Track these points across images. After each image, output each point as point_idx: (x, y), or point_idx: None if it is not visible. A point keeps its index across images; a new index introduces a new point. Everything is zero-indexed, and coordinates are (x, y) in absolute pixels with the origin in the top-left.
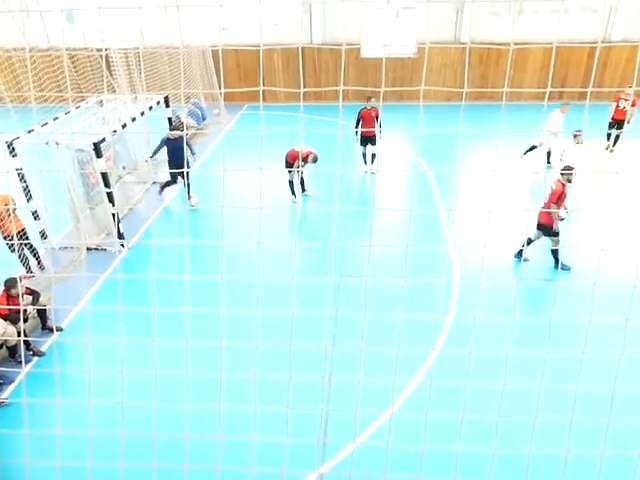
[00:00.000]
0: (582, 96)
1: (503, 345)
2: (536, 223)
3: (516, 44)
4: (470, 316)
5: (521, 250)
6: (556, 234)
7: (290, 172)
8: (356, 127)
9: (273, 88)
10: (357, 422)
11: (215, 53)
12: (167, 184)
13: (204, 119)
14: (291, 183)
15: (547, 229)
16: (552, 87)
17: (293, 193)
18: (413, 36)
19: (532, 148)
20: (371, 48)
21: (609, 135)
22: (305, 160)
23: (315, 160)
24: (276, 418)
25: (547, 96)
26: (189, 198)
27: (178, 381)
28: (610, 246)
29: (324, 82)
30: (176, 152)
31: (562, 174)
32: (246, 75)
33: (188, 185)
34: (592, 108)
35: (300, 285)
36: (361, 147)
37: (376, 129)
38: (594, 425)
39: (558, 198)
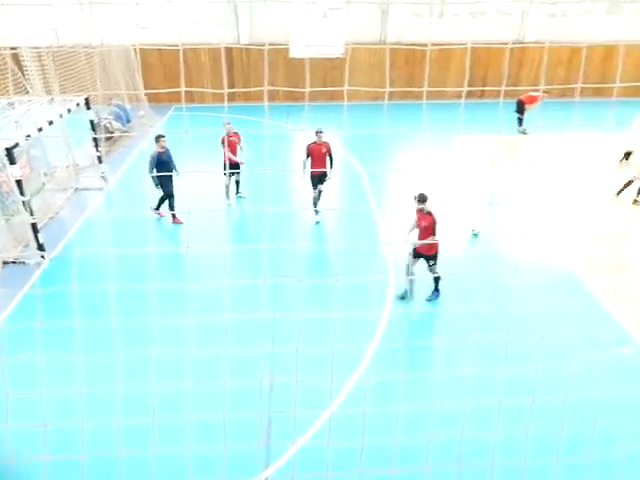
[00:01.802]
0: (497, 94)
1: (438, 336)
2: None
3: (436, 45)
4: (405, 310)
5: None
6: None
7: (230, 175)
8: (304, 164)
9: (195, 89)
10: (299, 423)
11: (138, 52)
12: (162, 200)
13: (128, 121)
14: (227, 186)
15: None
16: (474, 86)
17: (227, 196)
18: (341, 37)
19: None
20: (299, 48)
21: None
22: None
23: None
24: (217, 426)
25: (464, 95)
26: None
27: (107, 397)
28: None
29: (254, 82)
30: (165, 165)
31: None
32: (171, 75)
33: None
34: (509, 105)
35: (235, 289)
36: (312, 189)
37: (327, 167)
38: (520, 407)
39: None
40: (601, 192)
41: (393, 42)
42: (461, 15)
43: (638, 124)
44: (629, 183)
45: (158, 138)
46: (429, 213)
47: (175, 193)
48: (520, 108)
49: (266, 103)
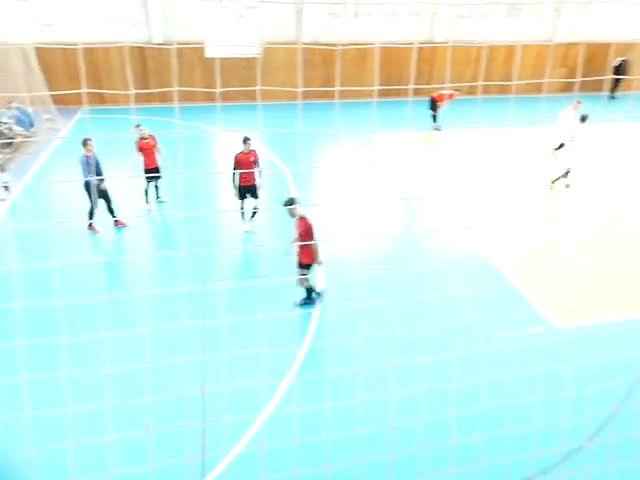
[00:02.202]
0: (416, 92)
1: (361, 331)
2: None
3: (349, 45)
4: (335, 307)
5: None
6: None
7: (148, 180)
8: (233, 176)
9: (97, 90)
10: (235, 429)
11: (40, 52)
12: (91, 214)
13: (32, 125)
14: (146, 191)
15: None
16: (391, 85)
17: (147, 201)
18: (257, 36)
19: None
20: (215, 48)
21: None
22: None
23: None
24: (148, 443)
25: (373, 93)
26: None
27: (15, 420)
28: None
29: (168, 82)
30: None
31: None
32: (79, 75)
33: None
34: (423, 103)
35: (158, 298)
36: (239, 201)
37: (256, 177)
38: (443, 391)
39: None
40: (529, 181)
41: (309, 41)
42: (374, 15)
43: (565, 117)
44: (566, 174)
45: (85, 142)
46: (302, 218)
47: (111, 196)
48: (433, 106)
49: (176, 104)
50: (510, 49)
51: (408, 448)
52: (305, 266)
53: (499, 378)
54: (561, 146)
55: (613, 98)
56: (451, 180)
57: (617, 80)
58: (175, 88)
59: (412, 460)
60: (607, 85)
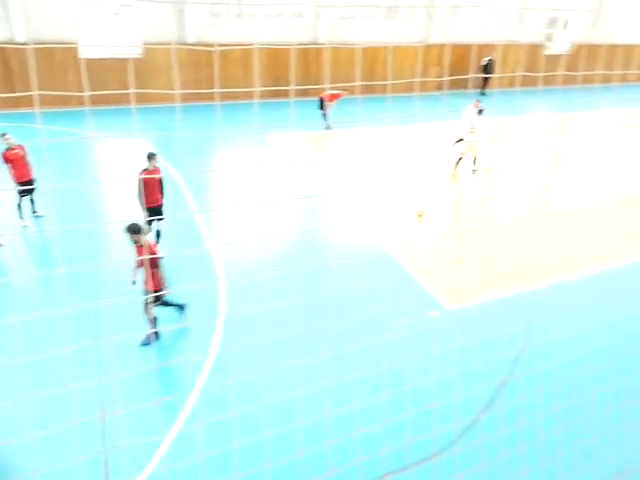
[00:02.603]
0: (304, 93)
1: (266, 332)
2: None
3: (226, 45)
4: (241, 311)
5: None
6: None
7: (21, 194)
8: (140, 199)
9: None
10: (139, 452)
11: None
12: None
13: None
14: (19, 206)
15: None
16: (276, 85)
17: (21, 217)
18: (136, 36)
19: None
20: (91, 48)
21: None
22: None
23: None
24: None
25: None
26: None
27: None
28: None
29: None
30: None
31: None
32: None
33: None
34: (312, 103)
35: (43, 321)
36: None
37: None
38: (348, 382)
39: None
40: (427, 173)
41: (193, 42)
42: (257, 16)
43: (467, 116)
44: (459, 160)
45: None
46: (142, 246)
47: None
48: (322, 105)
49: (37, 109)
50: (392, 50)
51: (317, 444)
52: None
53: (399, 365)
54: (460, 140)
55: (483, 94)
56: (347, 177)
57: (486, 78)
58: (35, 92)
59: (322, 455)
60: (478, 83)
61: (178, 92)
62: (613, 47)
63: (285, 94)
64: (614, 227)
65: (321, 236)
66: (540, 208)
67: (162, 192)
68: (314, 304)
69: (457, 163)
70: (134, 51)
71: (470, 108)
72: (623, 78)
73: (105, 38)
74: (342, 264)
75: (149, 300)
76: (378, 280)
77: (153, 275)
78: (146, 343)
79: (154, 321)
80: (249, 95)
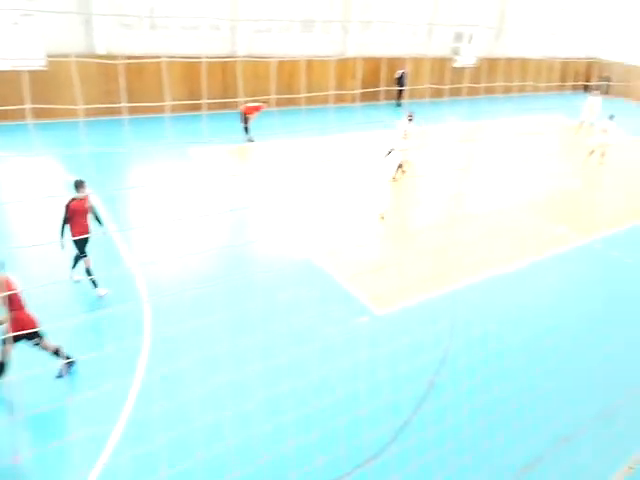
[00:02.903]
0: (223, 106)
1: (193, 351)
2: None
3: (136, 58)
4: (166, 332)
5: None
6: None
7: None
8: (62, 230)
9: None
10: None
11: None
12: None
13: None
14: None
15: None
16: (194, 99)
17: None
18: (40, 47)
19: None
20: None
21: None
22: None
23: None
24: None
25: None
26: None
27: None
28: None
29: None
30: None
31: None
32: None
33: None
34: (232, 115)
35: None
36: (78, 254)
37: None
38: (281, 395)
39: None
40: (356, 181)
41: (103, 54)
42: (172, 28)
43: (401, 124)
44: (400, 166)
45: None
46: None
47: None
48: (243, 118)
49: None
50: (310, 63)
51: (250, 462)
52: (31, 336)
53: (329, 373)
54: (391, 152)
55: (399, 105)
56: (272, 189)
57: (400, 90)
58: None
59: (256, 472)
60: (393, 94)
61: (82, 107)
62: (510, 60)
63: (206, 107)
64: (520, 228)
65: (247, 250)
66: (455, 212)
67: (98, 221)
68: (241, 319)
69: (397, 169)
70: (37, 63)
71: (404, 120)
72: (521, 89)
73: (4, 49)
74: (269, 277)
75: (7, 341)
76: (306, 290)
77: (17, 315)
78: (60, 375)
79: (59, 352)
80: (164, 108)
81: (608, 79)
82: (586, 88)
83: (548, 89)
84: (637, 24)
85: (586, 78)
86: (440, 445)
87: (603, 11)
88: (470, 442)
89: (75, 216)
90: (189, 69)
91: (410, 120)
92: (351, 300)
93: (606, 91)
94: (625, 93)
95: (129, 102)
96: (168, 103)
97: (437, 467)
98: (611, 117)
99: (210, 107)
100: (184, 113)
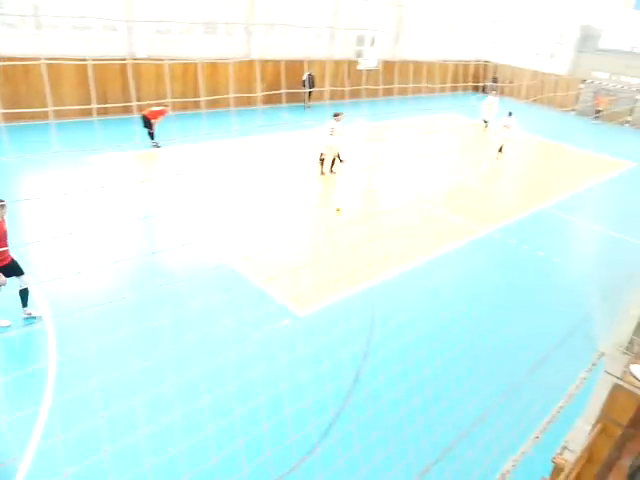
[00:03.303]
0: (125, 110)
1: (109, 371)
2: None
3: (14, 59)
4: (74, 352)
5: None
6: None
7: None
8: None
9: None
10: None
11: None
12: None
13: None
14: None
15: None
16: (84, 104)
17: None
18: None
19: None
20: None
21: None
22: None
23: None
24: None
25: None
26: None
27: None
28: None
29: None
30: None
31: None
32: None
33: None
34: (132, 120)
35: None
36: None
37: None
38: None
39: None
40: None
41: None
42: (62, 28)
43: (329, 123)
44: (322, 160)
45: None
46: None
47: None
48: (146, 123)
49: None
50: (214, 65)
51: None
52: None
53: (252, 379)
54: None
55: (308, 107)
56: (183, 194)
57: (309, 92)
58: None
59: None
60: (301, 96)
61: None
62: (409, 63)
63: (104, 112)
64: (428, 222)
65: (158, 259)
66: (366, 209)
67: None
68: (154, 332)
69: (322, 163)
70: None
71: (333, 121)
72: (417, 90)
73: None
74: (184, 286)
75: None
76: (225, 297)
77: None
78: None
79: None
80: (61, 113)
81: (496, 80)
82: (478, 89)
83: (442, 90)
84: (521, 30)
85: (478, 79)
86: (367, 436)
87: (491, 18)
88: (394, 430)
89: None
90: (84, 72)
91: (337, 119)
92: (271, 303)
93: (496, 91)
94: (511, 93)
95: (14, 108)
96: (65, 107)
97: (365, 458)
98: (510, 114)
99: (110, 112)
100: (80, 119)
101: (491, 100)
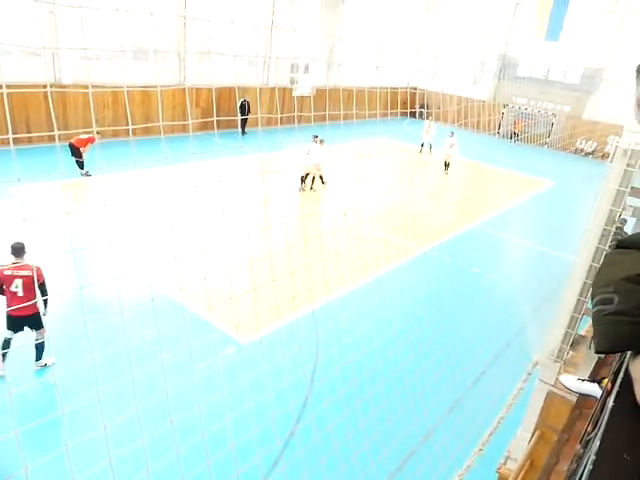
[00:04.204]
0: (51, 139)
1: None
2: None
3: None
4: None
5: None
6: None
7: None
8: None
9: None
10: None
11: None
12: None
13: None
14: None
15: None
16: (16, 130)
17: None
18: None
19: None
20: None
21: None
22: None
23: None
24: None
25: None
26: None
27: None
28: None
29: None
30: None
31: None
32: None
33: None
34: (62, 148)
35: None
36: (7, 332)
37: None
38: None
39: None
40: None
41: None
42: None
43: (308, 146)
44: (304, 178)
45: None
46: None
47: None
48: (75, 152)
49: None
50: (145, 92)
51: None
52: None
53: (193, 413)
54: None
55: (244, 134)
56: (117, 224)
57: (244, 118)
58: None
59: None
60: (236, 123)
61: None
62: (340, 90)
63: (27, 140)
64: (367, 243)
65: (92, 293)
66: (305, 233)
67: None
68: (85, 373)
69: (303, 181)
70: None
71: (313, 144)
72: (348, 116)
73: None
74: (120, 319)
75: None
76: (165, 328)
77: None
78: None
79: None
80: None
81: (426, 106)
82: (407, 114)
83: (373, 116)
84: (445, 59)
85: (407, 105)
86: (315, 463)
87: (417, 48)
88: (341, 454)
89: (7, 287)
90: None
91: (316, 141)
92: (214, 332)
93: (427, 116)
94: (439, 118)
95: None
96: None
97: (327, 473)
98: (452, 134)
99: (34, 140)
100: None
101: (428, 124)
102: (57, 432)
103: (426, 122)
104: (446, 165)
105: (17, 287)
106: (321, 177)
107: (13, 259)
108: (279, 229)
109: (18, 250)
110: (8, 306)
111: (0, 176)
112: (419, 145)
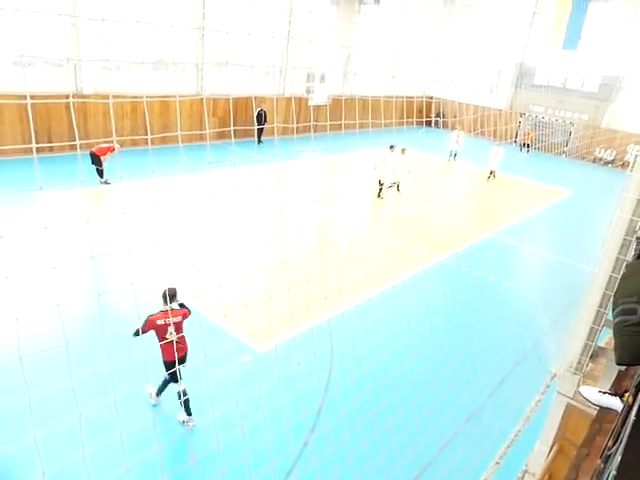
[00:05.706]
0: (72, 147)
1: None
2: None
3: None
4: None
5: None
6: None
7: None
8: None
9: None
10: None
11: None
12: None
13: None
14: None
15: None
16: (38, 140)
17: None
18: None
19: None
20: None
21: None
22: None
23: None
24: None
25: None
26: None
27: None
28: None
29: None
30: None
31: None
32: None
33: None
34: (83, 157)
35: None
36: (168, 380)
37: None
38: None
39: None
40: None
41: None
42: (2, 64)
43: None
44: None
45: None
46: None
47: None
48: (95, 160)
49: None
50: (164, 102)
51: None
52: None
53: (212, 419)
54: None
55: (260, 142)
56: (139, 231)
57: (260, 128)
58: None
59: None
60: (254, 132)
61: None
62: (358, 99)
63: (49, 149)
64: (383, 253)
65: (110, 300)
66: (321, 242)
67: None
68: (103, 377)
69: (382, 188)
70: None
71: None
72: (366, 125)
73: None
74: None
75: None
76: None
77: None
78: None
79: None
80: (3, 152)
81: (443, 115)
82: (423, 123)
83: (386, 125)
84: (462, 67)
85: (423, 114)
86: (329, 474)
87: (432, 57)
88: (356, 464)
89: (160, 333)
90: (25, 108)
91: (392, 150)
92: (229, 339)
93: (443, 125)
94: (455, 127)
95: None
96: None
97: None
98: (498, 144)
99: (57, 149)
100: (22, 157)
101: (456, 133)
102: (73, 435)
103: (454, 132)
104: (491, 173)
105: (171, 334)
106: (397, 185)
107: (162, 304)
108: (294, 237)
109: (172, 297)
110: (164, 352)
111: (23, 184)
112: (447, 155)
